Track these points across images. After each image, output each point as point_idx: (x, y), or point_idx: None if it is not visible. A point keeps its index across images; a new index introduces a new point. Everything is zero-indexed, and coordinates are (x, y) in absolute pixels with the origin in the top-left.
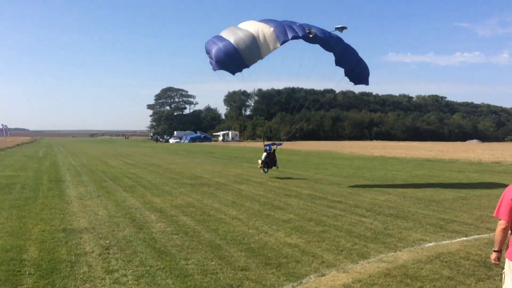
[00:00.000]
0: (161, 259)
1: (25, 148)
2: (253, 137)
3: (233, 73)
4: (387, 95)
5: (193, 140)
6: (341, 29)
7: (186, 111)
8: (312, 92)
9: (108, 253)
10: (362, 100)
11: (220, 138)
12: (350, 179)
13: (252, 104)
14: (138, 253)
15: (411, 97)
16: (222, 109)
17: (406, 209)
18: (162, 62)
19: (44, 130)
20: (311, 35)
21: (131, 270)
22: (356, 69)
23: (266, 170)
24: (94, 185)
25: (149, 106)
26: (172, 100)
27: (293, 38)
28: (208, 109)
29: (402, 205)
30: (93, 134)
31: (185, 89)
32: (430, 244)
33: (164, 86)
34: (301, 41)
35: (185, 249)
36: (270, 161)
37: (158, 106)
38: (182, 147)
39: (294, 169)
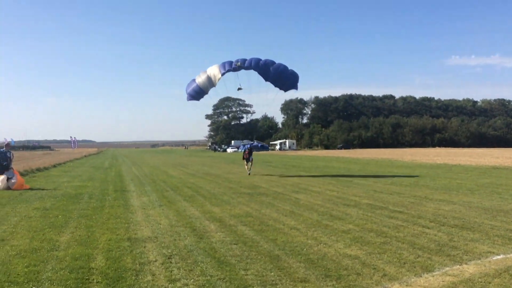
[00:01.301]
0: (221, 269)
1: (92, 159)
2: (310, 145)
3: (198, 100)
4: (450, 100)
5: None
6: (239, 89)
7: (243, 121)
8: (370, 98)
9: (171, 262)
10: (423, 106)
11: (277, 147)
12: (412, 188)
13: (309, 112)
14: (199, 263)
15: (476, 102)
16: (279, 118)
17: (472, 219)
18: None
19: (109, 141)
20: (238, 66)
21: (192, 280)
22: (280, 81)
23: (247, 166)
24: (156, 195)
25: (207, 116)
26: (229, 110)
27: (227, 71)
28: (265, 118)
29: (468, 215)
30: (154, 145)
31: (242, 99)
32: (498, 257)
33: (222, 96)
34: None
35: (244, 259)
36: (246, 156)
37: (216, 116)
38: (240, 157)
39: (353, 177)
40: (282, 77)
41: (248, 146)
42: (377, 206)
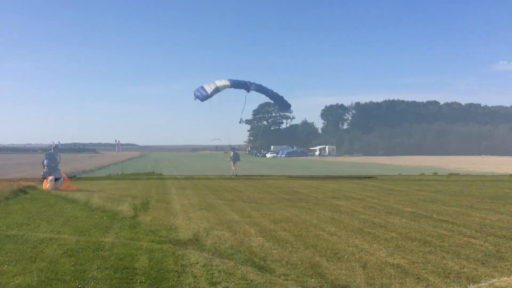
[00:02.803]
0: (261, 274)
1: (135, 162)
2: (350, 151)
3: (202, 101)
4: (497, 107)
5: (289, 154)
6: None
7: (283, 126)
8: (413, 104)
9: (211, 265)
10: (469, 112)
11: (317, 152)
12: (457, 197)
13: (350, 118)
14: (239, 266)
15: None
16: (319, 124)
17: None
18: (264, 79)
19: (151, 145)
20: (243, 84)
21: (233, 283)
22: (278, 102)
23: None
24: (197, 198)
25: (247, 121)
26: (269, 115)
27: (235, 84)
28: (305, 123)
29: None
30: (195, 149)
31: None
32: None
33: (262, 102)
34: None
35: (284, 265)
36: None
37: (255, 121)
38: (279, 162)
39: (394, 185)
40: (279, 101)
41: (232, 149)
42: (421, 215)
